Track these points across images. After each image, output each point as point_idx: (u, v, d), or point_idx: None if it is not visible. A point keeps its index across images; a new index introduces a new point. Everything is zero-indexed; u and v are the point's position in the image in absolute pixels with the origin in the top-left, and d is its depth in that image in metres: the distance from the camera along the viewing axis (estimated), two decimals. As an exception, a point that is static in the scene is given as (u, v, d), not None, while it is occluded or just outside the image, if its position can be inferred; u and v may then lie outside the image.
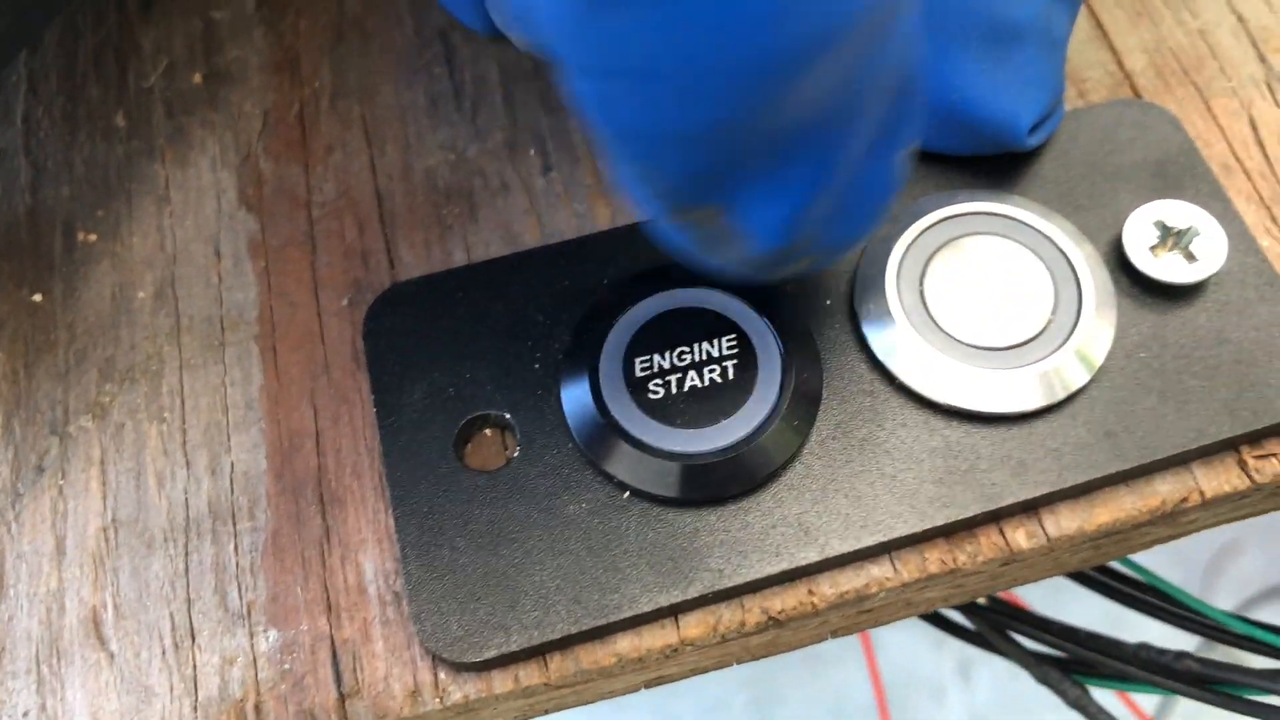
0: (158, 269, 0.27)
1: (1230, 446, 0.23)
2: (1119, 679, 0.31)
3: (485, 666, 0.21)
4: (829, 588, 0.22)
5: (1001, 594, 0.33)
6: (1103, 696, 0.33)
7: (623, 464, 0.22)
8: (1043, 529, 0.23)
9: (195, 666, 0.22)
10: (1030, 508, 0.23)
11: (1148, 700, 0.79)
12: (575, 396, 0.23)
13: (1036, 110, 0.24)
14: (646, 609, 0.21)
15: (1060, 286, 0.24)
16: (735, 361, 0.23)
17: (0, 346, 0.26)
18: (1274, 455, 0.23)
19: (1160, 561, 0.31)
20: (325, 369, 0.25)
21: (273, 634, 0.22)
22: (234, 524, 0.23)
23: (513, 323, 0.24)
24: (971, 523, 0.22)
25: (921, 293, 0.24)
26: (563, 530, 0.22)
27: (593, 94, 0.16)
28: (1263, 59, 0.28)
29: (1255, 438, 0.23)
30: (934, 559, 0.22)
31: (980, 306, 0.23)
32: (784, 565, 0.22)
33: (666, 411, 0.23)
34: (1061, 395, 0.23)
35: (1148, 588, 0.31)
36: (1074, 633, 0.31)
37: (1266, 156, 0.26)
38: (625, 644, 0.22)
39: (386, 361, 0.24)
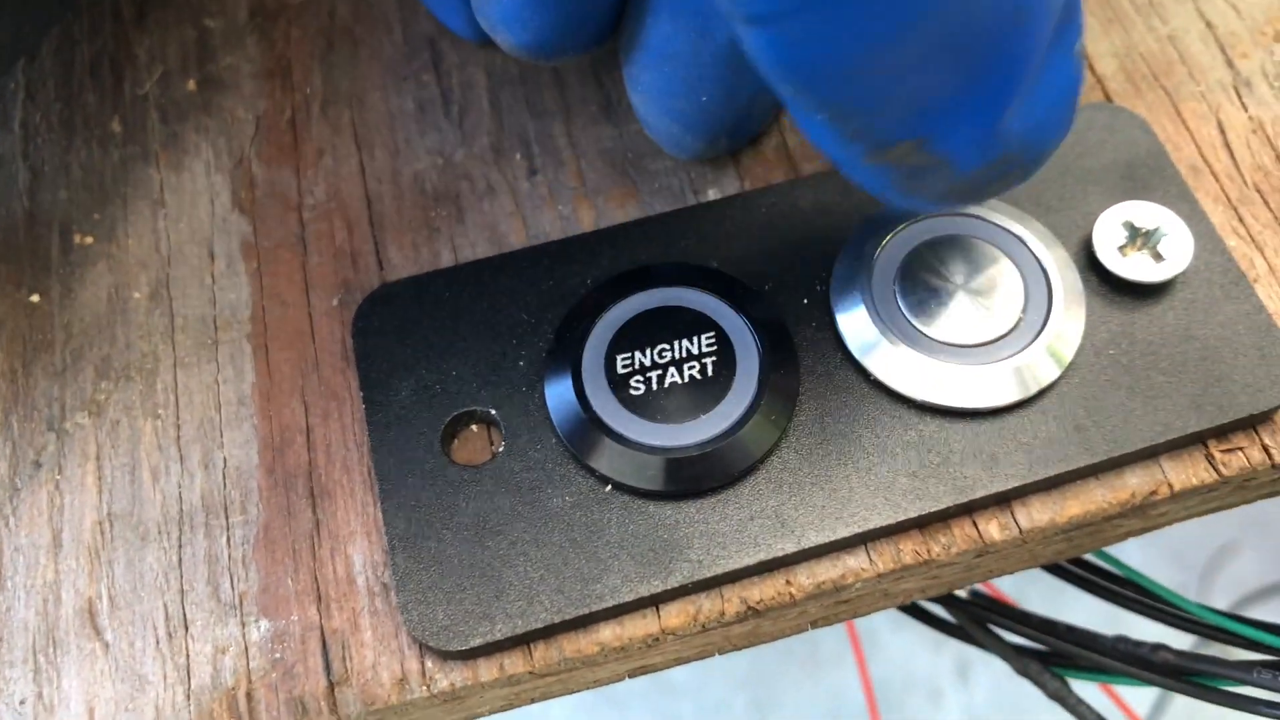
0: (153, 270, 0.27)
1: (1197, 440, 0.24)
2: (1098, 671, 0.31)
3: (471, 655, 0.22)
4: (806, 578, 0.23)
5: (985, 588, 0.34)
6: (1098, 699, 0.33)
7: (605, 458, 0.23)
8: (1015, 521, 0.23)
9: (188, 656, 0.23)
10: (1002, 500, 0.23)
11: (1143, 701, 0.80)
12: (558, 393, 0.24)
13: None
14: (628, 598, 0.22)
15: (1031, 285, 0.24)
16: (714, 358, 0.24)
17: (-2, 346, 0.26)
18: (1240, 449, 0.24)
19: (1158, 562, 0.31)
20: (316, 367, 0.25)
21: (264, 624, 0.23)
22: (226, 517, 0.24)
23: (498, 321, 0.25)
24: (945, 515, 0.23)
25: (895, 292, 0.24)
26: (546, 522, 0.23)
27: (773, 43, 0.15)
28: (1230, 64, 0.28)
29: (1221, 432, 0.24)
30: (908, 550, 0.23)
31: (953, 305, 0.24)
32: (762, 556, 0.22)
33: (647, 407, 0.23)
34: (1033, 390, 0.23)
35: (1139, 588, 0.31)
36: (1053, 626, 0.32)
37: (1234, 159, 0.27)
38: (608, 633, 0.22)
39: (375, 359, 0.25)
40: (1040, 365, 0.23)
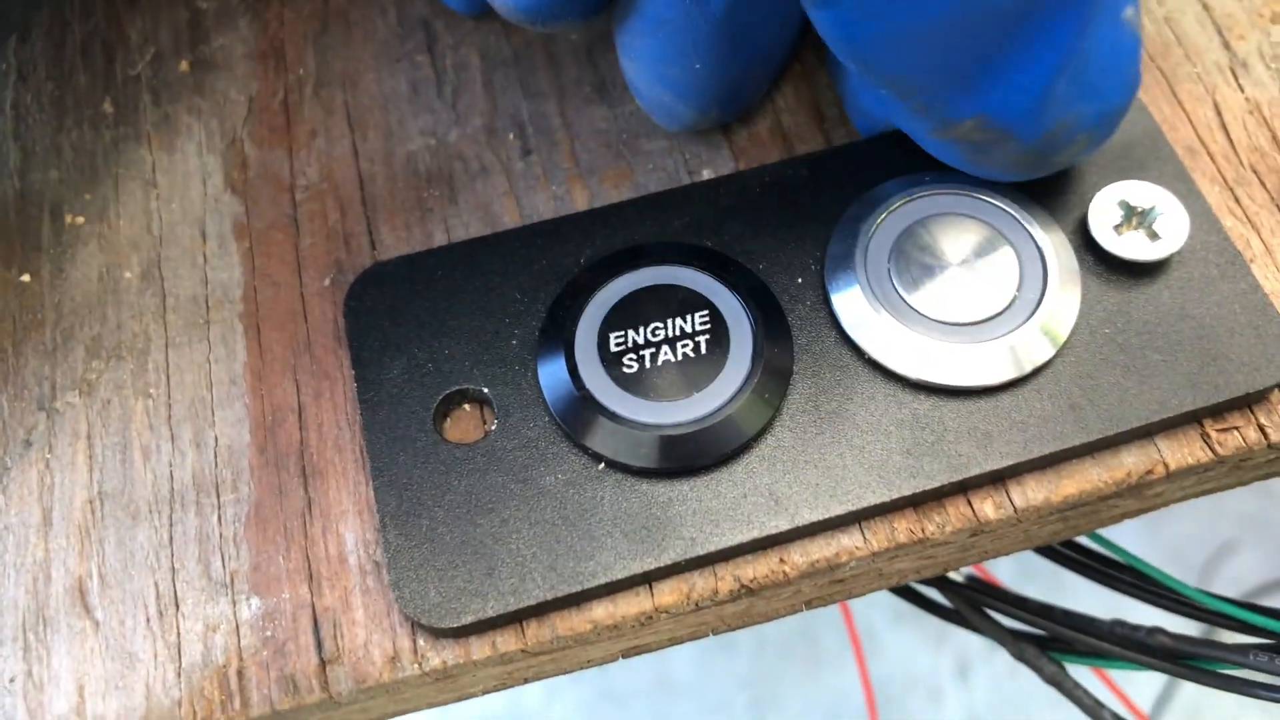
0: (144, 250, 0.27)
1: (1193, 420, 0.24)
2: (1094, 655, 0.31)
3: (463, 633, 0.22)
4: (800, 556, 0.23)
5: (981, 575, 0.34)
6: (1100, 696, 0.33)
7: (598, 436, 0.23)
8: (1010, 500, 0.23)
9: (179, 634, 0.22)
10: (997, 479, 0.23)
11: (1148, 691, 0.80)
12: (551, 371, 0.24)
13: None
14: (621, 576, 0.22)
15: (1026, 263, 0.24)
16: (708, 337, 0.24)
17: (-11, 327, 0.26)
18: (1236, 428, 0.24)
19: (1157, 560, 0.31)
20: (307, 346, 0.25)
21: (255, 602, 0.23)
22: (217, 496, 0.24)
23: (490, 300, 0.25)
24: (939, 493, 0.23)
25: (890, 270, 0.24)
26: (539, 500, 0.23)
27: (835, 21, 0.17)
28: (1227, 45, 0.28)
29: (1217, 411, 0.24)
30: (903, 529, 0.23)
31: (947, 283, 0.24)
32: (755, 534, 0.22)
33: (641, 385, 0.23)
34: (1027, 369, 0.23)
35: (1136, 573, 0.31)
36: (1050, 610, 0.32)
37: (1230, 140, 0.27)
38: (601, 611, 0.22)
39: (367, 338, 0.24)
40: (1035, 344, 0.23)
